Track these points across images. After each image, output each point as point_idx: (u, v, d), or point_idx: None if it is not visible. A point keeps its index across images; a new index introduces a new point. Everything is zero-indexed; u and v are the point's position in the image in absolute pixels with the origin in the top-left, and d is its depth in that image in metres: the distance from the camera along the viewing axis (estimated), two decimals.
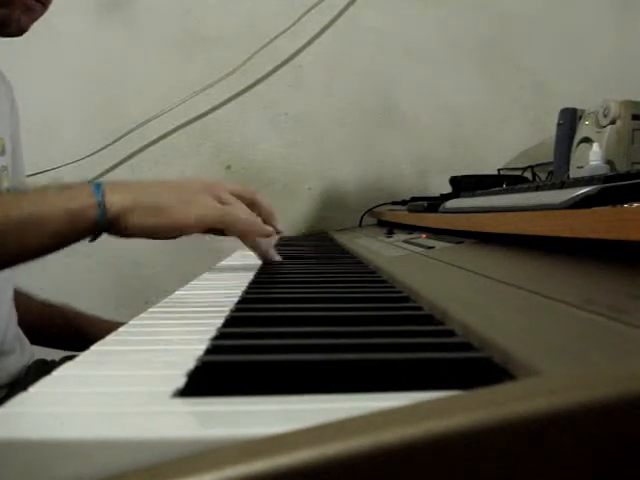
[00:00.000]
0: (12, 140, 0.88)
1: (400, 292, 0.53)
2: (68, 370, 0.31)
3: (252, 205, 0.71)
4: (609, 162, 1.00)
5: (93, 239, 0.65)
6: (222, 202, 0.66)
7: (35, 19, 0.77)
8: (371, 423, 0.19)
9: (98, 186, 0.62)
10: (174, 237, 0.66)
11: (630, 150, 1.03)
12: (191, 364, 0.30)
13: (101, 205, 0.61)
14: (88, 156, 1.56)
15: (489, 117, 1.63)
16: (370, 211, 1.55)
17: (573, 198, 0.54)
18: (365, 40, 1.62)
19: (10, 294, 0.86)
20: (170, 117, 1.58)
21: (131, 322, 0.44)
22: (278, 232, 0.74)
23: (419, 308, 0.45)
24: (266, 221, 0.72)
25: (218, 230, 0.68)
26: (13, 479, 0.21)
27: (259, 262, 0.80)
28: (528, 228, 0.58)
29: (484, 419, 0.19)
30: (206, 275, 0.74)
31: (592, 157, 0.96)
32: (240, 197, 0.69)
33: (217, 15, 1.60)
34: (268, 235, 0.71)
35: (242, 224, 0.67)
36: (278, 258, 0.79)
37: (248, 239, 0.74)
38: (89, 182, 0.63)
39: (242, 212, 0.67)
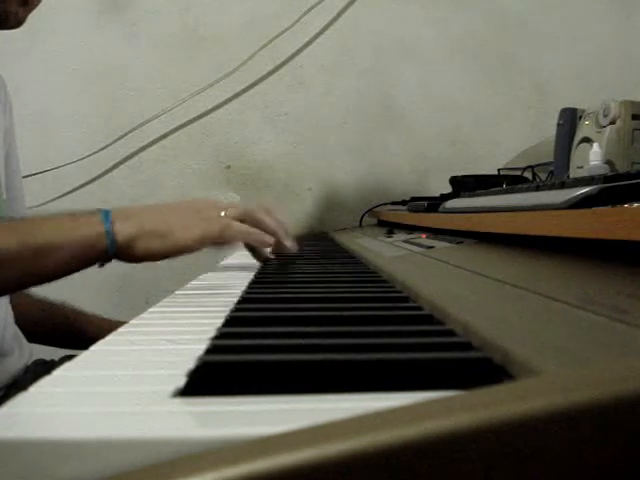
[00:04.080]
0: (5, 139, 0.88)
1: (400, 292, 0.53)
2: (68, 370, 0.31)
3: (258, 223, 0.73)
4: (609, 162, 1.00)
5: (102, 265, 0.67)
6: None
7: (31, 11, 0.78)
8: (370, 423, 0.19)
9: (107, 214, 0.65)
10: (180, 256, 0.69)
11: (630, 150, 1.03)
12: (191, 364, 0.30)
13: (110, 233, 0.64)
14: (88, 156, 1.56)
15: (489, 117, 1.63)
16: (370, 211, 1.55)
17: (573, 198, 0.54)
18: (365, 40, 1.62)
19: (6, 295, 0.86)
20: (170, 117, 1.58)
21: (131, 322, 0.44)
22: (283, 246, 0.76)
23: (419, 308, 0.45)
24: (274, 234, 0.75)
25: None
26: (13, 479, 0.21)
27: (259, 262, 0.80)
28: (528, 228, 0.58)
29: (484, 419, 0.19)
30: (206, 275, 0.74)
31: (592, 157, 0.96)
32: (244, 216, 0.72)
33: (217, 15, 1.60)
34: (266, 244, 0.74)
35: (240, 237, 0.71)
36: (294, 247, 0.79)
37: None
38: (99, 210, 0.65)
39: (239, 225, 0.70)
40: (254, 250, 0.78)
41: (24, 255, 0.62)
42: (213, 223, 0.69)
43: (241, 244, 0.76)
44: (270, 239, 0.73)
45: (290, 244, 0.76)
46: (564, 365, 0.26)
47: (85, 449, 0.21)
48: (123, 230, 0.64)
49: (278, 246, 0.76)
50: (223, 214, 0.69)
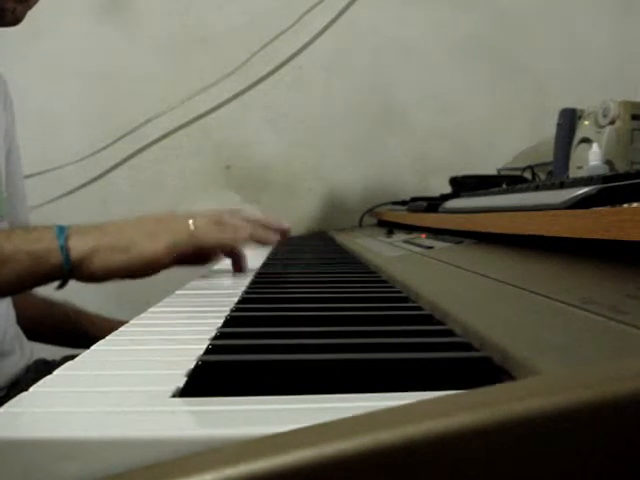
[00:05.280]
0: (6, 138, 0.87)
1: (400, 292, 0.53)
2: (68, 370, 0.31)
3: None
4: (608, 162, 1.00)
5: (61, 286, 0.64)
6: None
7: (29, 8, 0.77)
8: (371, 423, 0.19)
9: (62, 229, 0.61)
10: (149, 274, 0.63)
11: (629, 150, 1.03)
12: (191, 364, 0.30)
13: (64, 249, 0.60)
14: (88, 156, 1.56)
15: (489, 117, 1.63)
16: (370, 211, 1.54)
17: (573, 198, 0.54)
18: (365, 40, 1.62)
19: None
20: (170, 117, 1.58)
21: (132, 322, 0.44)
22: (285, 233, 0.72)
23: (419, 308, 0.45)
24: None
25: (190, 261, 0.67)
26: (13, 479, 0.21)
27: (259, 262, 0.81)
28: (528, 228, 0.58)
29: (484, 419, 0.19)
30: (206, 275, 0.74)
31: (591, 157, 0.95)
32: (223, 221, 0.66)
33: (217, 15, 1.60)
34: (240, 244, 0.67)
35: (211, 241, 0.64)
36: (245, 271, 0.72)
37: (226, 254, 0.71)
38: (55, 225, 0.62)
39: (208, 230, 0.64)
40: (233, 260, 0.72)
41: None
42: (180, 231, 0.63)
43: (219, 257, 0.71)
44: (243, 238, 0.67)
45: (271, 237, 0.70)
46: (564, 365, 0.26)
47: (86, 448, 0.21)
48: (78, 245, 0.60)
49: (258, 242, 0.70)
50: (191, 222, 0.64)
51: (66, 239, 0.60)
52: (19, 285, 0.63)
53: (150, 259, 0.61)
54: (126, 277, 0.63)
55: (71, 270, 0.61)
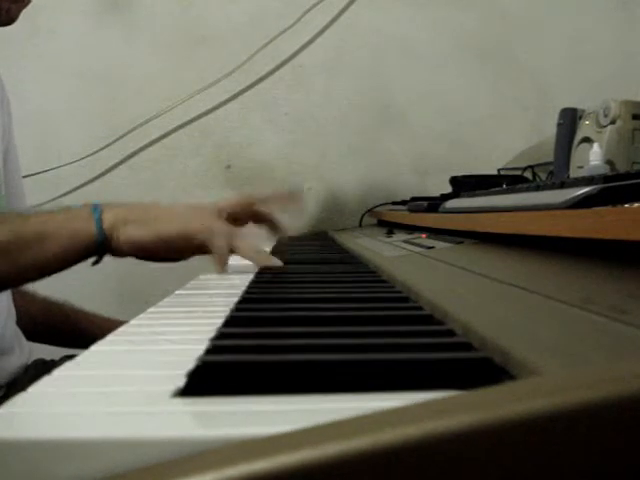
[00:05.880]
0: (4, 137, 0.87)
1: (400, 292, 0.53)
2: (68, 370, 0.31)
3: (254, 216, 0.76)
4: (609, 162, 1.00)
5: (96, 262, 0.67)
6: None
7: (24, 7, 0.78)
8: (371, 423, 0.19)
9: (97, 205, 0.66)
10: (167, 258, 0.68)
11: (630, 150, 1.03)
12: (191, 364, 0.30)
13: (98, 221, 0.64)
14: (88, 156, 1.56)
15: (489, 117, 1.63)
16: (370, 211, 1.55)
17: (573, 198, 0.54)
18: (365, 40, 1.62)
19: (7, 292, 0.86)
20: (170, 117, 1.58)
21: (131, 322, 0.44)
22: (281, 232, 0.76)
23: (419, 308, 0.45)
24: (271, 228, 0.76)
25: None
26: (13, 479, 0.21)
27: None
28: (528, 228, 0.58)
29: (484, 419, 0.19)
30: (206, 275, 0.74)
31: (592, 157, 0.95)
32: (236, 213, 0.72)
33: (217, 15, 1.60)
34: (248, 254, 0.69)
35: (221, 239, 0.67)
36: (278, 263, 0.73)
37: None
38: (90, 203, 0.66)
39: (223, 230, 0.68)
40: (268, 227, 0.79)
41: (15, 245, 0.62)
42: (198, 221, 0.67)
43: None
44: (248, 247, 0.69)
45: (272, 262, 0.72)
46: (564, 365, 0.26)
47: (85, 449, 0.21)
48: (109, 217, 0.65)
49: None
50: (216, 212, 0.69)
51: (101, 213, 0.65)
52: (62, 262, 0.66)
53: (163, 237, 0.66)
54: (144, 253, 0.67)
55: (103, 242, 0.65)
